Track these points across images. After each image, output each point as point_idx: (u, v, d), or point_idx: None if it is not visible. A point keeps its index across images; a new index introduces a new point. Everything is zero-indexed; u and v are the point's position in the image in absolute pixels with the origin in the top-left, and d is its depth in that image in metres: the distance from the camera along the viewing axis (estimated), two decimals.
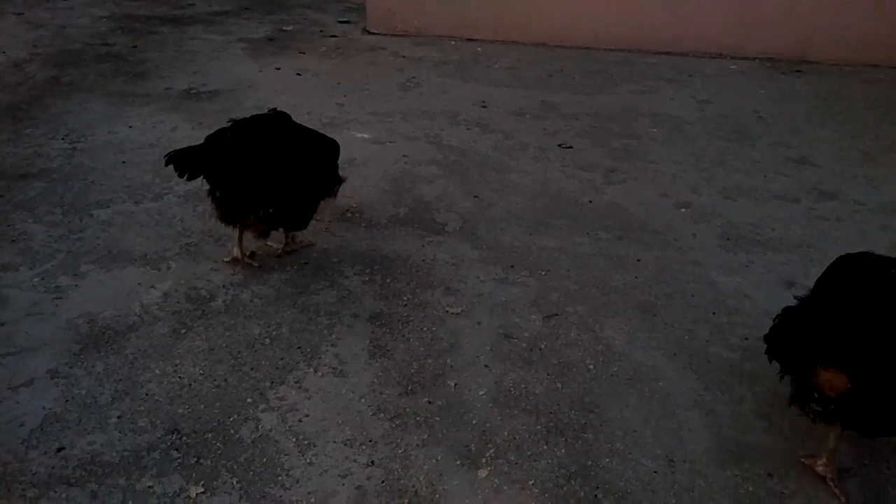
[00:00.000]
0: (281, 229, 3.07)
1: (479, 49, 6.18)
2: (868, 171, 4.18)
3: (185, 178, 2.78)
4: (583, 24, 6.23)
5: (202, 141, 2.89)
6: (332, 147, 3.15)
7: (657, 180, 3.99)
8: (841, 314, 1.92)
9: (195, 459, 2.15)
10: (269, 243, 3.21)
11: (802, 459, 2.23)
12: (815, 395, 2.01)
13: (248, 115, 2.99)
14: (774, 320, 2.27)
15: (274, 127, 2.95)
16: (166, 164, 2.76)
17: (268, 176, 2.77)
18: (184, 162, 2.76)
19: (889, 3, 5.76)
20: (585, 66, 5.86)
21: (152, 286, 2.92)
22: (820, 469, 2.17)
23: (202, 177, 2.82)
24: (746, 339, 2.75)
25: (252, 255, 3.15)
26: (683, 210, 3.69)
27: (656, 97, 5.23)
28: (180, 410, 2.33)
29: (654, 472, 2.17)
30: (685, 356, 2.65)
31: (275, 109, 3.08)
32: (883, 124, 4.82)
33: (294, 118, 3.08)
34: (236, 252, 3.09)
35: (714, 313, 2.88)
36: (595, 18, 6.20)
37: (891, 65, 5.92)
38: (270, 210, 2.83)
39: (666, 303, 2.94)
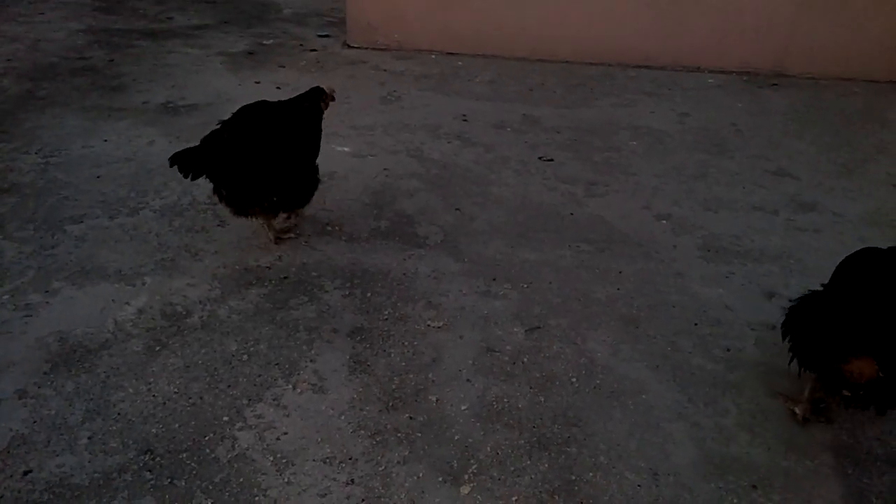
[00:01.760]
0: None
1: (459, 63, 6.19)
2: (845, 182, 4.23)
3: (188, 177, 2.93)
4: (563, 38, 6.27)
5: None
6: (305, 113, 3.22)
7: (638, 193, 4.00)
8: (869, 307, 2.09)
9: (169, 480, 2.09)
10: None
11: (782, 398, 2.46)
12: (846, 382, 2.15)
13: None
14: (789, 313, 2.39)
15: (261, 120, 3.10)
16: (171, 165, 2.88)
17: (267, 171, 2.98)
18: (187, 162, 2.89)
19: (863, 18, 5.87)
20: (566, 79, 5.89)
21: (126, 302, 2.85)
22: (798, 410, 2.40)
23: (205, 177, 2.97)
24: (729, 350, 2.74)
25: (287, 230, 3.41)
26: (664, 222, 3.69)
27: (636, 110, 5.26)
28: (154, 430, 2.26)
29: (638, 485, 2.14)
30: (668, 368, 2.64)
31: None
32: (858, 137, 4.89)
33: None
34: (272, 236, 3.31)
35: (696, 324, 2.88)
36: (575, 33, 6.25)
37: (865, 78, 6.02)
38: (275, 199, 3.08)
39: (648, 314, 2.93)
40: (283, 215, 3.35)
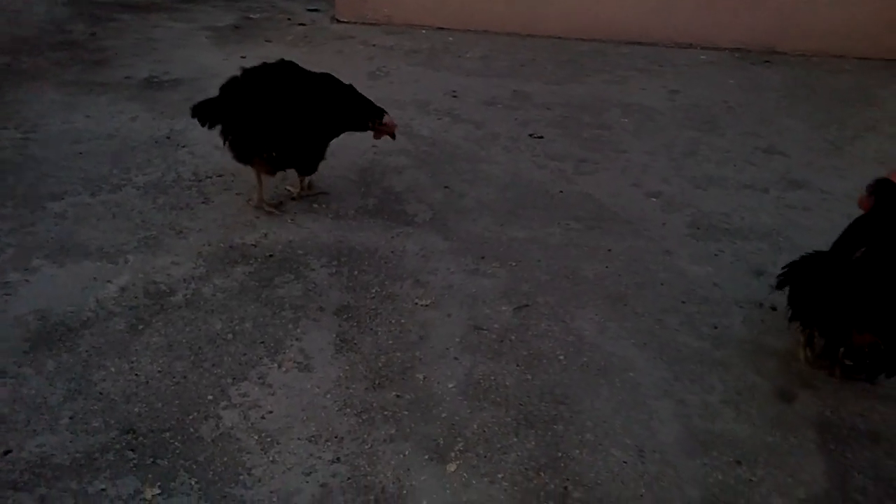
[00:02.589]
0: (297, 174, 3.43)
1: (450, 38, 6.10)
2: (835, 160, 4.21)
3: (206, 126, 3.07)
4: (555, 13, 6.19)
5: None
6: (338, 90, 3.27)
7: (628, 170, 3.98)
8: (872, 286, 2.19)
9: (151, 460, 2.07)
10: (288, 188, 3.53)
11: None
12: (850, 352, 2.37)
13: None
14: (785, 276, 2.46)
15: (277, 75, 3.15)
16: (192, 116, 3.03)
17: (269, 122, 3.04)
18: (204, 112, 3.04)
19: None
20: (557, 55, 5.82)
21: (108, 281, 2.81)
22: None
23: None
24: (716, 327, 2.74)
25: (279, 205, 3.40)
26: (654, 200, 3.67)
27: (628, 87, 5.21)
28: (136, 409, 2.24)
29: (624, 462, 2.14)
30: (655, 346, 2.63)
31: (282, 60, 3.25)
32: (848, 114, 4.87)
33: None
34: (256, 199, 3.34)
35: (684, 302, 2.87)
36: (567, 8, 6.16)
37: (856, 55, 5.98)
38: (273, 154, 3.13)
39: (636, 292, 2.92)
40: (292, 188, 3.48)
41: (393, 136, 3.47)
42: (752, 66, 5.76)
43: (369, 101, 3.35)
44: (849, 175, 4.02)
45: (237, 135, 3.10)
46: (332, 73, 3.35)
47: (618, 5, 6.12)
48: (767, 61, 5.87)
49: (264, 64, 3.20)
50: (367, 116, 3.32)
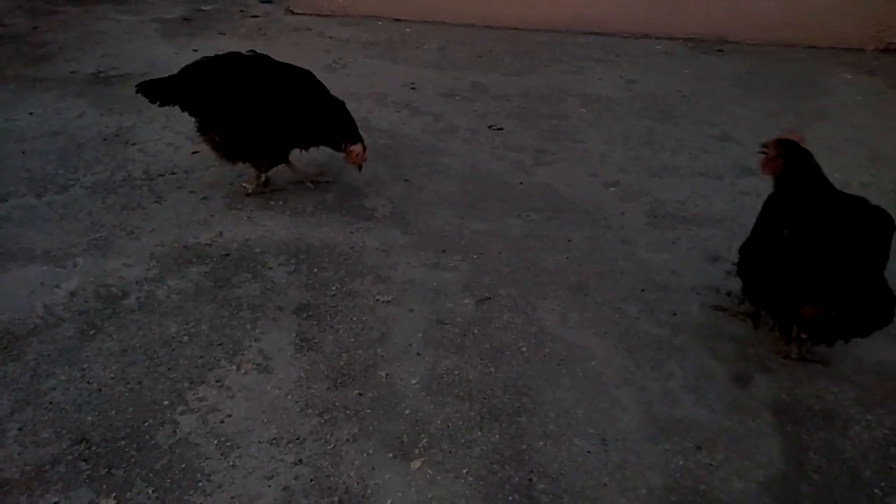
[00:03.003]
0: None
1: (407, 30, 6.05)
2: None
3: (156, 104, 3.06)
4: (512, 4, 6.18)
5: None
6: (303, 81, 3.23)
7: (586, 160, 4.00)
8: (807, 260, 2.29)
9: (106, 470, 2.01)
10: (243, 185, 3.45)
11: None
12: (803, 327, 2.47)
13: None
14: (741, 264, 2.59)
15: (257, 65, 3.18)
16: (136, 91, 3.02)
17: (216, 102, 3.07)
18: (161, 90, 3.04)
19: None
20: (515, 46, 5.82)
21: (57, 285, 2.71)
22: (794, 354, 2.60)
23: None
24: (675, 314, 2.78)
25: (266, 181, 3.44)
26: (612, 189, 3.71)
27: (585, 77, 5.24)
28: (89, 418, 2.16)
29: (588, 451, 2.16)
30: (616, 334, 2.66)
31: (253, 51, 3.25)
32: (799, 102, 4.99)
33: None
34: (252, 185, 3.39)
35: (643, 290, 2.90)
36: None
37: (806, 44, 6.13)
38: (217, 138, 3.15)
39: (597, 282, 2.95)
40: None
41: (359, 168, 3.40)
42: (705, 56, 5.86)
43: (351, 122, 3.30)
44: None
45: (200, 114, 3.13)
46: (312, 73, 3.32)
47: None
48: (720, 50, 5.98)
49: (237, 53, 3.19)
50: (342, 137, 3.28)
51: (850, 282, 2.25)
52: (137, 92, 3.01)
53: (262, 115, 3.09)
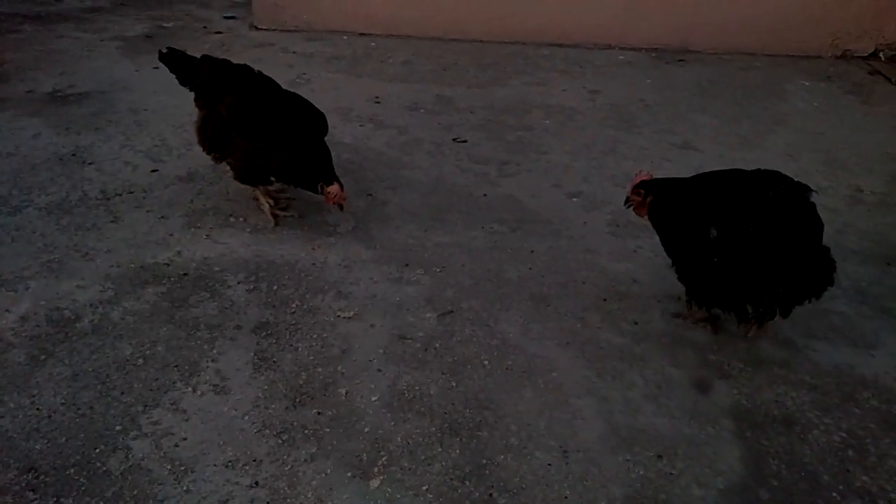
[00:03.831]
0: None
1: (372, 44, 6.05)
2: (745, 153, 4.37)
3: (176, 75, 3.23)
4: (477, 17, 6.22)
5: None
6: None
7: (550, 171, 4.02)
8: (761, 254, 2.38)
9: (54, 499, 1.95)
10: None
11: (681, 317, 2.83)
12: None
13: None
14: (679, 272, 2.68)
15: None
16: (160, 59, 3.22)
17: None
18: (182, 66, 3.22)
19: None
20: (480, 59, 5.85)
21: (7, 310, 2.64)
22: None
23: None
24: (636, 323, 2.79)
25: (287, 208, 3.42)
26: (575, 199, 3.73)
27: (549, 89, 5.28)
28: (38, 446, 2.10)
29: (549, 464, 2.15)
30: (578, 344, 2.66)
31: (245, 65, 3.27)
32: (758, 110, 5.08)
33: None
34: (266, 206, 3.33)
35: (605, 300, 2.91)
36: (489, 12, 6.21)
37: (765, 52, 6.26)
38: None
39: (559, 292, 2.95)
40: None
41: (340, 208, 3.19)
42: (667, 66, 5.94)
43: (328, 162, 3.14)
44: (761, 167, 4.17)
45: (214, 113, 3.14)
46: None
47: (538, 8, 6.21)
48: (682, 60, 6.07)
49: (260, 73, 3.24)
50: (317, 179, 3.10)
51: (793, 262, 2.37)
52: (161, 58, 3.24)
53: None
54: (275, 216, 3.30)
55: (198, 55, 3.35)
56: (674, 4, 6.16)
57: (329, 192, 3.08)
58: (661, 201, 2.68)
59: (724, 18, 6.21)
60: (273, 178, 3.25)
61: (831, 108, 5.14)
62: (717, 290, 2.55)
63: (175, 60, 3.22)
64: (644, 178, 2.74)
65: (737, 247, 2.40)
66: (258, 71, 3.24)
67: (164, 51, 3.24)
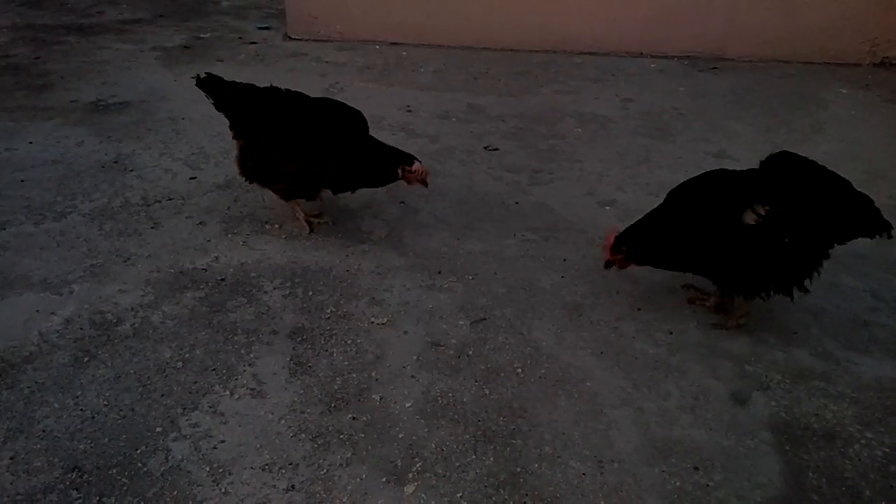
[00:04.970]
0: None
1: (403, 53, 6.11)
2: None
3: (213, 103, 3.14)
4: (508, 26, 6.25)
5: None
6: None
7: (583, 179, 4.01)
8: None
9: (97, 498, 1.99)
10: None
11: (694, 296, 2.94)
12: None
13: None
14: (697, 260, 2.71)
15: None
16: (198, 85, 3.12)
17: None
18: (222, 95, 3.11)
19: (798, 1, 5.99)
20: (511, 67, 5.87)
21: (52, 313, 2.72)
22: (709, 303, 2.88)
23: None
24: (671, 333, 2.76)
25: (319, 214, 3.42)
26: (608, 208, 3.71)
27: (581, 97, 5.28)
28: (81, 446, 2.16)
29: (583, 474, 2.14)
30: (612, 354, 2.64)
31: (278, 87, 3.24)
32: (794, 118, 5.00)
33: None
34: (301, 216, 3.35)
35: (639, 309, 2.89)
36: (520, 20, 6.23)
37: (800, 60, 6.16)
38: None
39: (592, 301, 2.94)
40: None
41: (425, 185, 3.22)
42: (700, 73, 5.89)
43: (391, 148, 3.18)
44: None
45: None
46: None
47: (569, 16, 6.21)
48: (715, 68, 6.01)
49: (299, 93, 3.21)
50: (394, 165, 3.12)
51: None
52: (198, 84, 3.13)
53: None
54: (309, 223, 3.33)
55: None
56: (707, 12, 6.11)
57: (415, 171, 3.08)
58: (647, 244, 2.69)
59: (760, 26, 6.13)
60: (331, 191, 3.23)
61: (870, 116, 5.04)
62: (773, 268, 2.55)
63: (212, 86, 3.15)
64: (614, 235, 2.75)
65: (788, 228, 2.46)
66: (285, 89, 3.20)
67: (203, 76, 3.16)
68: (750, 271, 2.56)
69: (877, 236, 2.49)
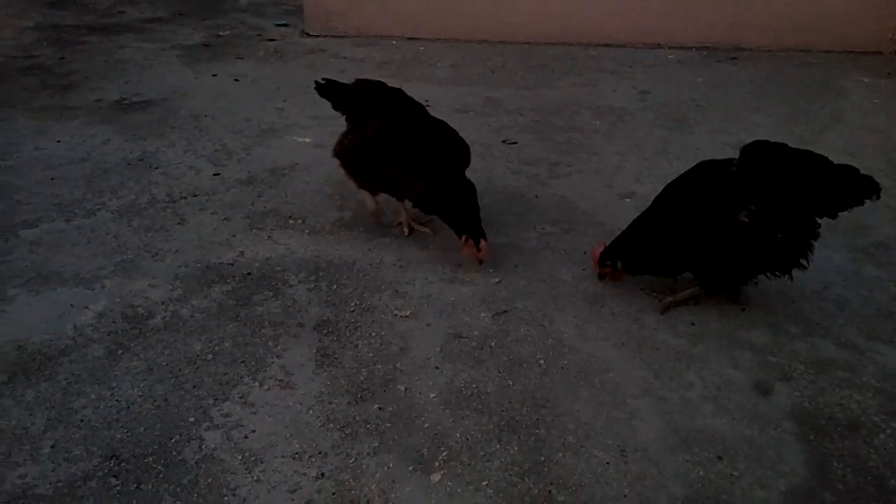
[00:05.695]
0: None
1: (420, 48, 6.14)
2: None
3: (333, 106, 3.23)
4: (524, 19, 6.26)
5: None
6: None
7: (601, 172, 4.02)
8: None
9: (135, 485, 2.06)
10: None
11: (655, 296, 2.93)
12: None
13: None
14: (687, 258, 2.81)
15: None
16: (317, 89, 3.20)
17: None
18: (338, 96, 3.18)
19: None
20: (528, 61, 5.88)
21: (86, 307, 2.79)
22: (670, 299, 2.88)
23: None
24: (693, 324, 2.78)
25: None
26: (627, 200, 3.72)
27: (598, 89, 5.28)
28: (118, 435, 2.22)
29: (607, 463, 2.17)
30: (633, 345, 2.67)
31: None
32: (815, 108, 4.97)
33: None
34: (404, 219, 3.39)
35: (660, 300, 2.91)
36: (536, 14, 6.23)
37: (820, 48, 6.11)
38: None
39: (613, 293, 2.96)
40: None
41: (480, 263, 3.09)
42: (718, 64, 5.86)
43: (475, 211, 3.06)
44: None
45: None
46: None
47: (585, 8, 6.20)
48: (734, 58, 5.98)
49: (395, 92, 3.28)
50: (464, 228, 3.03)
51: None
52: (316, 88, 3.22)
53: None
54: (410, 227, 3.38)
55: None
56: (724, 2, 6.07)
57: (479, 249, 2.97)
58: (635, 256, 2.83)
59: (778, 15, 6.09)
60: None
61: (892, 104, 5.00)
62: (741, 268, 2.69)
63: (330, 89, 3.20)
64: (600, 250, 2.88)
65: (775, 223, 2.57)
66: (410, 97, 3.24)
67: (322, 81, 3.21)
68: (746, 263, 2.68)
69: (867, 201, 2.53)
